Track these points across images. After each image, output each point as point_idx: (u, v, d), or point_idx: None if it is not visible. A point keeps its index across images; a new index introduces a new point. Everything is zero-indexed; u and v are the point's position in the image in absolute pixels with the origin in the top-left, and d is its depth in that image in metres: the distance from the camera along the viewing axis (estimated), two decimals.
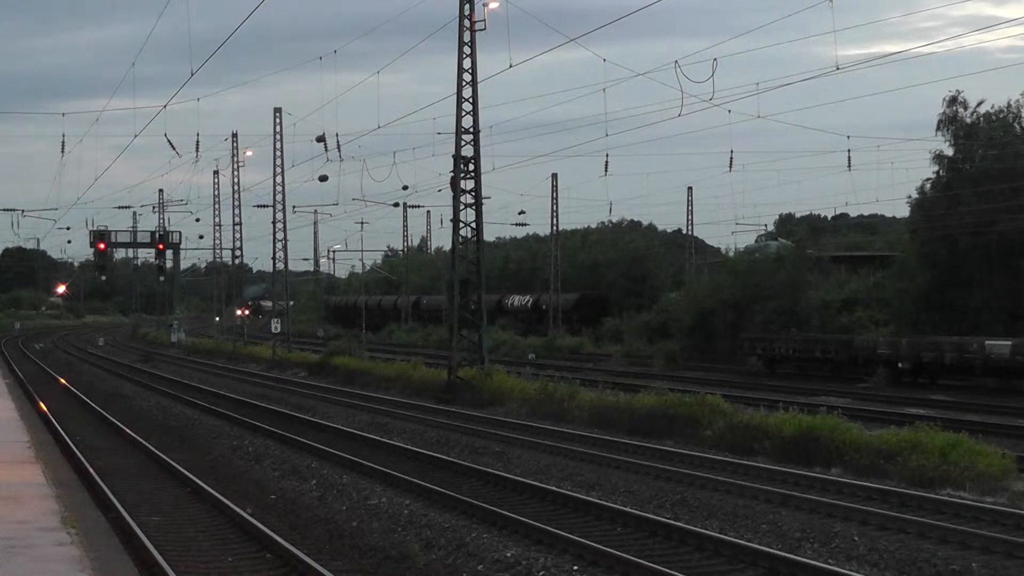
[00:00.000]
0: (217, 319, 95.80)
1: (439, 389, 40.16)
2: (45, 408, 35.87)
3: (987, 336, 40.86)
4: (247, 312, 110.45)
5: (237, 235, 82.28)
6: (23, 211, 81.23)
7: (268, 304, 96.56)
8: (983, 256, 45.59)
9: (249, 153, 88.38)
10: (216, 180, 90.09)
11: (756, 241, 79.92)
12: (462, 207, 40.47)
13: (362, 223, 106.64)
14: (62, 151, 53.91)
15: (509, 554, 14.65)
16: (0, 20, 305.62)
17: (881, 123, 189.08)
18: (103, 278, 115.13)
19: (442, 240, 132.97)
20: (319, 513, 18.23)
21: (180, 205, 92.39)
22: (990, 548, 15.14)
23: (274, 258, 70.40)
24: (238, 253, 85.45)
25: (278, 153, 67.44)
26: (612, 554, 14.32)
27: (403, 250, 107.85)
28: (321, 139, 50.95)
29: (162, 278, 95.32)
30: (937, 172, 49.02)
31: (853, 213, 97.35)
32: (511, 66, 36.91)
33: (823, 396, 36.65)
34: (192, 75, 35.84)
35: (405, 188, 63.17)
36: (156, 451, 25.42)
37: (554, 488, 19.75)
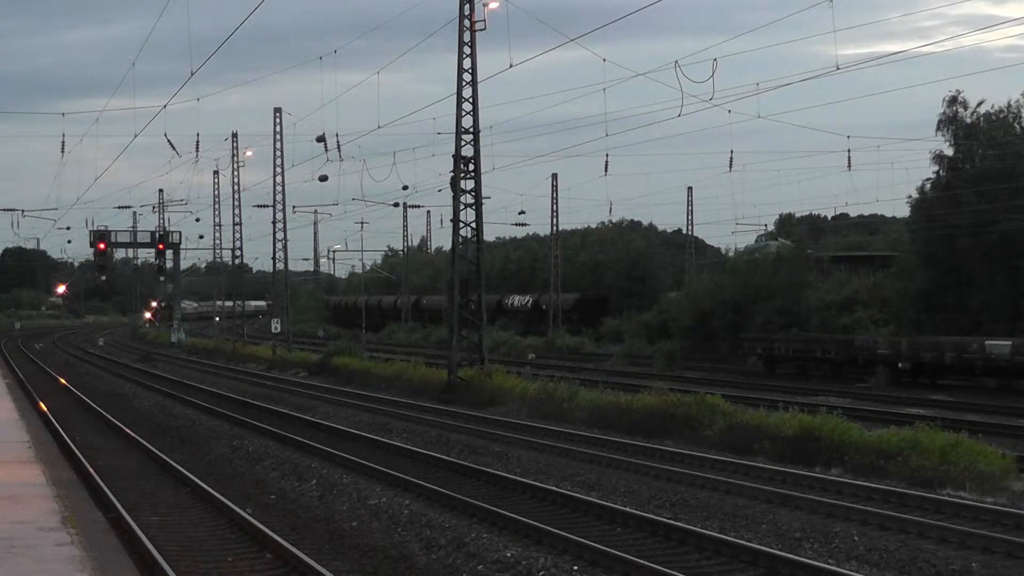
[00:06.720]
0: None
1: (439, 389, 40.15)
2: (45, 408, 35.87)
3: (987, 336, 40.81)
4: (155, 317, 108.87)
5: (237, 235, 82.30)
6: (23, 211, 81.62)
7: (192, 305, 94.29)
8: (983, 256, 45.50)
9: (249, 153, 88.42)
10: (216, 180, 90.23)
11: (756, 241, 79.84)
12: (462, 207, 40.47)
13: (362, 223, 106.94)
14: (62, 151, 53.96)
15: (509, 554, 14.64)
16: (0, 19, 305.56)
17: (881, 123, 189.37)
18: (103, 278, 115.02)
19: (442, 240, 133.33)
20: (319, 513, 18.24)
21: (180, 205, 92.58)
22: (990, 548, 15.15)
23: (274, 258, 70.43)
24: (238, 253, 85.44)
25: (278, 153, 67.47)
26: (612, 554, 14.32)
27: (403, 250, 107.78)
28: (321, 139, 51.02)
29: (162, 278, 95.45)
30: (937, 172, 48.95)
31: (853, 213, 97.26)
32: (511, 66, 37.05)
33: (823, 396, 36.62)
34: (192, 75, 35.88)
35: (405, 188, 63.22)
36: (156, 451, 25.43)
37: (554, 488, 19.74)
